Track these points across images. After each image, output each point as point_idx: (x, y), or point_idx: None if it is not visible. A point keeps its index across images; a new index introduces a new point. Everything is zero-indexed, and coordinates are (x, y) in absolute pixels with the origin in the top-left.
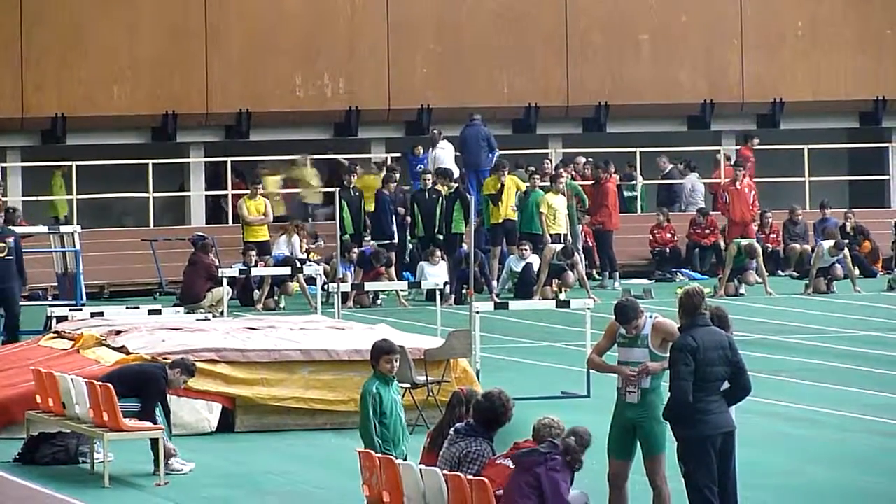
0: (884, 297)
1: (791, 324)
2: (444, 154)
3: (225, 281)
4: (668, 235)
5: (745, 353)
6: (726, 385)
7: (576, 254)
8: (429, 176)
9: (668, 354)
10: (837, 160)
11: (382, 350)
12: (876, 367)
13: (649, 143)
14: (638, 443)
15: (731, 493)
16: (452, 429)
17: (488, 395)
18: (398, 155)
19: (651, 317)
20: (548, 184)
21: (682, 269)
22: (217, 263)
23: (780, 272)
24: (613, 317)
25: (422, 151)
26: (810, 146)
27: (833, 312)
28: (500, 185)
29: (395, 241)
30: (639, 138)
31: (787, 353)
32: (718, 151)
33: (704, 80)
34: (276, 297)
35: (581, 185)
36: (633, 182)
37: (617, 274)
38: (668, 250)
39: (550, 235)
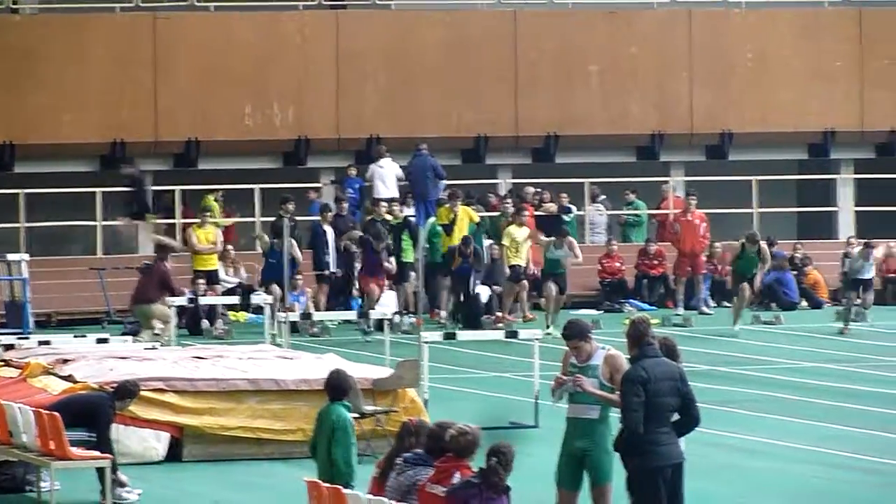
0: (830, 328)
1: (739, 355)
2: (385, 172)
3: (174, 310)
4: (617, 265)
5: (694, 384)
6: (676, 416)
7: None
8: (383, 206)
9: (615, 387)
10: (786, 191)
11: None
12: (823, 398)
13: (598, 174)
14: (585, 473)
15: None
16: (401, 458)
17: (440, 425)
18: (334, 179)
19: (604, 348)
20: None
21: (631, 300)
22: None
23: (727, 304)
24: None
25: (355, 173)
26: (759, 177)
27: (781, 344)
28: (452, 216)
29: (329, 272)
30: (588, 169)
31: (735, 384)
32: (667, 182)
33: (654, 111)
34: (227, 326)
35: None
36: (570, 212)
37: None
38: (616, 281)
39: (510, 267)
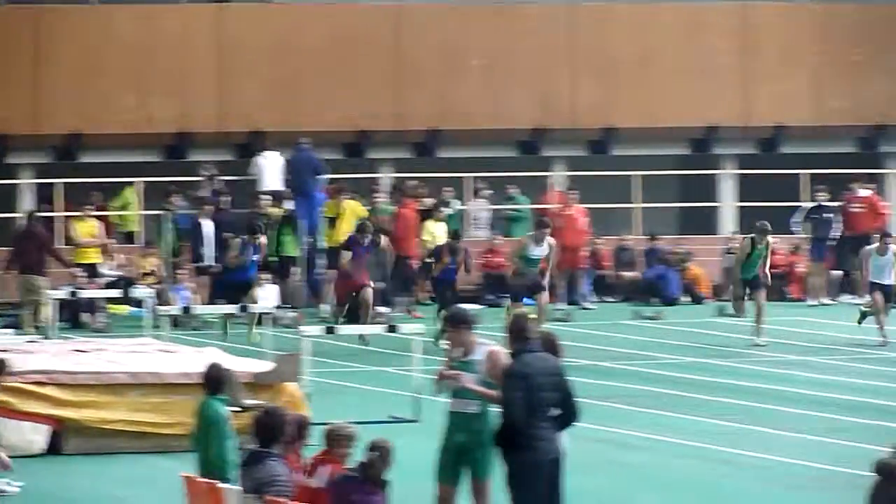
0: (711, 323)
1: (621, 350)
2: (268, 165)
3: (56, 304)
4: (499, 260)
5: (576, 379)
6: (556, 411)
7: None
8: (267, 199)
9: (496, 383)
10: (668, 187)
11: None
12: (705, 393)
13: (480, 168)
14: (465, 468)
15: None
16: (241, 460)
17: (268, 411)
18: (214, 173)
19: (486, 344)
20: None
21: None
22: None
23: (608, 299)
24: None
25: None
26: (641, 173)
27: (662, 339)
28: (339, 210)
29: (205, 265)
30: (469, 163)
31: (617, 379)
32: (549, 177)
33: (536, 105)
34: (108, 320)
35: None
36: (448, 206)
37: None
38: (498, 275)
39: None
